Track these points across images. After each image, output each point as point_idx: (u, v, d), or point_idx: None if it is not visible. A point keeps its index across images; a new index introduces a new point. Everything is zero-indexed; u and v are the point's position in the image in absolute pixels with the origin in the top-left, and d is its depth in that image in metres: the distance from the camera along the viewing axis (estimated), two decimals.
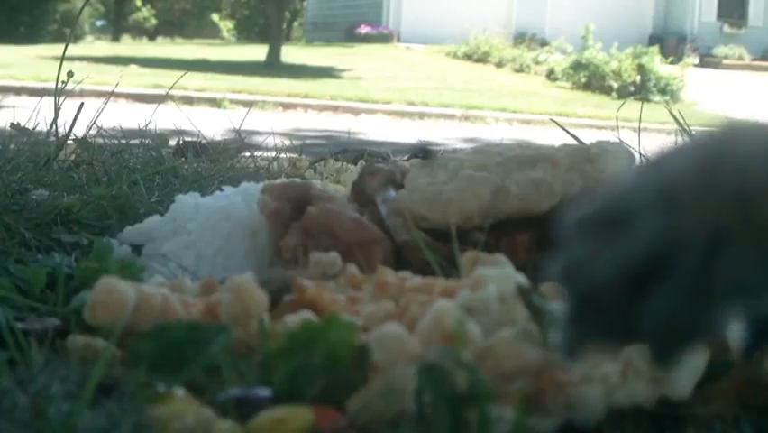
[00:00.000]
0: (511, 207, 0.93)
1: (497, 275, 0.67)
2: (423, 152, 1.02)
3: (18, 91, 8.57)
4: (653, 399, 0.57)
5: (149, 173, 1.52)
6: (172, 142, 1.96)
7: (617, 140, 1.29)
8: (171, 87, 1.97)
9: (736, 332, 0.61)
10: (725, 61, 18.88)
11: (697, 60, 17.58)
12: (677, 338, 0.42)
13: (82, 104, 1.68)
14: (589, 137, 1.33)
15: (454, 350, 0.56)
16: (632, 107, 2.13)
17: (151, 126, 2.08)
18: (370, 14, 19.66)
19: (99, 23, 29.99)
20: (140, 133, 2.06)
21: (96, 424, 0.53)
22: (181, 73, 2.22)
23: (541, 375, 0.56)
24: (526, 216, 0.93)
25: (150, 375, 0.60)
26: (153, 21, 29.83)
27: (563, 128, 1.65)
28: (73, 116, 1.67)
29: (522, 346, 0.57)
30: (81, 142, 1.70)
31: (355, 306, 0.72)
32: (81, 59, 11.25)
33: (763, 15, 20.64)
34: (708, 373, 0.59)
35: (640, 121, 1.71)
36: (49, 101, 1.73)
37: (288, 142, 2.31)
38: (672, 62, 16.03)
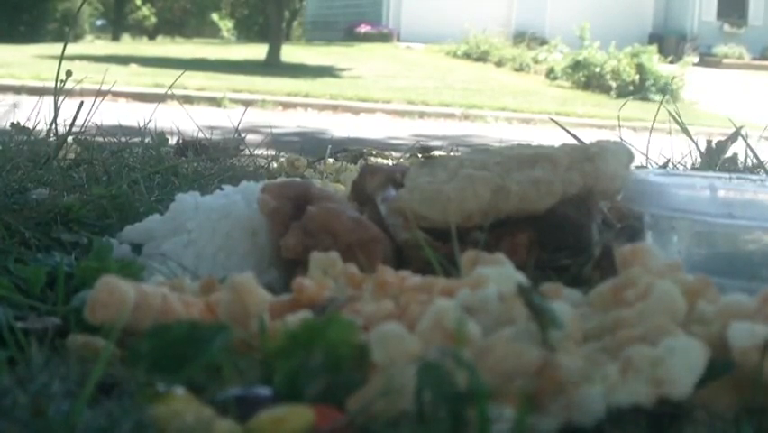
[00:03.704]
0: (511, 207, 0.93)
1: (497, 275, 0.67)
2: (423, 151, 1.02)
3: (18, 90, 8.57)
4: (653, 399, 0.56)
5: (149, 172, 1.52)
6: (172, 141, 1.96)
7: (618, 139, 1.29)
8: (171, 87, 1.97)
9: (735, 332, 0.61)
10: (725, 60, 18.88)
11: (697, 60, 17.58)
12: None
13: (81, 103, 1.68)
14: (588, 136, 1.33)
15: (454, 349, 0.56)
16: (631, 107, 2.13)
17: (151, 125, 2.08)
18: (369, 14, 19.66)
19: (99, 22, 29.98)
20: (140, 132, 2.06)
21: (96, 423, 0.53)
22: (181, 72, 2.21)
23: (541, 375, 0.56)
24: (526, 215, 0.93)
25: (150, 375, 0.60)
26: (153, 20, 29.82)
27: (563, 127, 1.65)
28: (72, 115, 1.67)
29: (522, 346, 0.57)
30: (81, 141, 1.70)
31: (355, 305, 0.72)
32: (81, 58, 11.25)
33: (763, 15, 20.64)
34: (708, 373, 0.59)
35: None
36: (48, 100, 1.73)
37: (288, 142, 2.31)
38: (671, 61, 16.04)
